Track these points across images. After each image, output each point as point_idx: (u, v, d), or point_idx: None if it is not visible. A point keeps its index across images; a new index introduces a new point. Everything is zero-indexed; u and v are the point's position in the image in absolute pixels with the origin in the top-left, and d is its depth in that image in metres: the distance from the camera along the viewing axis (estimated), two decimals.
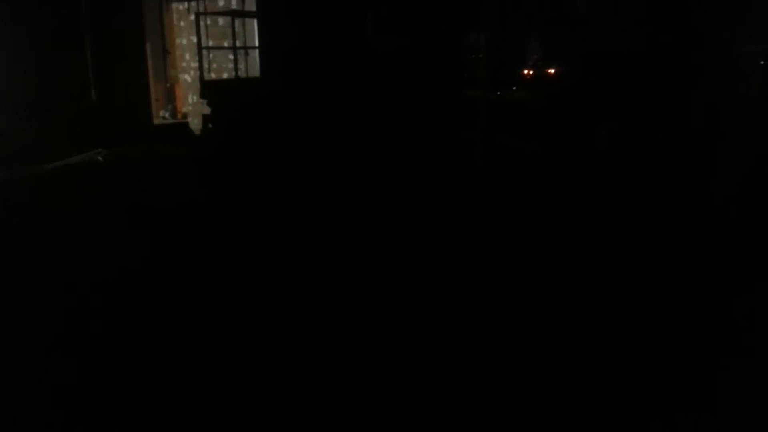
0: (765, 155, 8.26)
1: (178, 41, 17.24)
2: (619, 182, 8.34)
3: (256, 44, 14.75)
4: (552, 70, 13.86)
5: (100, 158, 12.72)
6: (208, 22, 15.73)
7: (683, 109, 8.15)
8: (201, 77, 14.11)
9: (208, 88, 13.83)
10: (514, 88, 15.82)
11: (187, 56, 17.18)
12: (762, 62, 11.80)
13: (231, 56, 15.38)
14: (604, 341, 5.33)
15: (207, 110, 13.81)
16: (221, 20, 15.82)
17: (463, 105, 10.64)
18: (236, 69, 14.93)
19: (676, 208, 8.07)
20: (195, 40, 14.77)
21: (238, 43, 15.04)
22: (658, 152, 8.21)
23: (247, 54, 15.42)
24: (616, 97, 8.70)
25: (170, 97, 17.27)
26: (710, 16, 8.18)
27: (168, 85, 17.20)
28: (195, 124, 16.12)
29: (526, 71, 16.22)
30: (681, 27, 8.36)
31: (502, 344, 5.31)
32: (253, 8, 14.29)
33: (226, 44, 15.45)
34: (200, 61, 14.18)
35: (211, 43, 15.71)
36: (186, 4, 16.74)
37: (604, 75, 8.88)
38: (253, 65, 15.50)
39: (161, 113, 16.94)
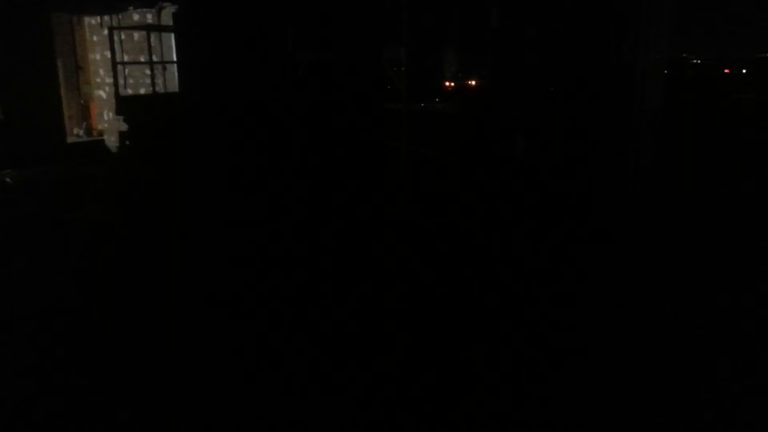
0: (666, 158, 8.75)
1: (91, 56, 16.61)
2: (535, 191, 8.64)
3: (174, 59, 14.37)
4: (473, 82, 14.18)
5: (8, 180, 12.07)
6: (123, 36, 15.24)
7: (588, 118, 8.51)
8: (116, 93, 13.63)
9: (125, 104, 13.36)
10: (437, 99, 16.09)
11: (102, 72, 16.56)
12: (665, 72, 12.47)
13: (148, 71, 14.93)
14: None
15: (124, 127, 13.33)
16: (136, 35, 15.34)
17: (383, 116, 10.74)
18: (153, 84, 14.50)
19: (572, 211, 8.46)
20: (109, 55, 14.26)
21: (154, 58, 14.60)
22: (568, 159, 8.55)
23: (164, 69, 15.01)
24: (529, 107, 9.00)
25: (85, 114, 16.59)
26: (615, 27, 8.58)
27: (82, 101, 16.52)
28: (111, 141, 15.54)
29: (447, 83, 16.58)
30: (586, 40, 8.74)
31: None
32: (170, 22, 13.94)
33: (142, 59, 14.99)
34: (115, 77, 13.70)
35: (126, 58, 15.22)
36: (99, 18, 16.16)
37: (518, 86, 9.16)
38: (171, 80, 15.09)
39: (75, 131, 16.24)
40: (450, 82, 15.86)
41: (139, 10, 15.21)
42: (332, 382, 5.01)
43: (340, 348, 5.54)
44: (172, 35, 14.22)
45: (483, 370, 5.18)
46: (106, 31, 15.11)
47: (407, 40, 10.63)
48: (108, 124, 16.44)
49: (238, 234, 8.62)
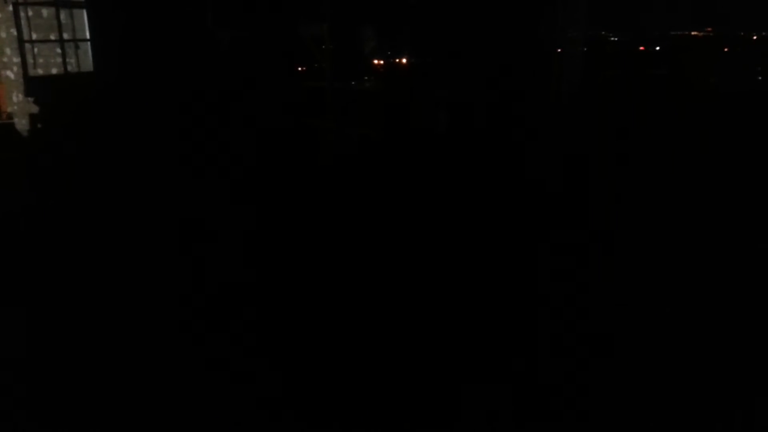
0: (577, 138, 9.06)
1: None
2: (455, 166, 8.80)
3: (87, 36, 13.69)
4: (403, 60, 14.19)
5: None
6: (30, 13, 14.35)
7: (508, 94, 8.70)
8: (25, 74, 12.88)
9: (36, 86, 12.66)
10: (366, 78, 16.02)
11: (8, 51, 15.56)
12: (584, 49, 12.81)
13: (59, 50, 14.16)
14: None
15: (35, 109, 12.65)
16: (45, 11, 14.49)
17: (302, 94, 10.63)
18: (66, 64, 13.78)
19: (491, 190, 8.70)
20: (15, 33, 13.42)
21: (66, 36, 13.87)
22: (489, 133, 8.74)
23: (77, 47, 14.27)
24: (451, 85, 9.10)
25: None
26: (534, 5, 8.77)
27: None
28: (23, 124, 14.69)
29: (377, 61, 16.53)
30: (505, 18, 8.89)
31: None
32: None
33: (52, 37, 14.19)
34: (23, 56, 12.93)
35: (34, 36, 14.35)
36: None
37: (439, 64, 9.24)
38: (85, 59, 14.38)
39: None
40: (380, 60, 15.83)
41: None
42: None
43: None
44: (84, 11, 13.53)
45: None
46: (11, 7, 14.19)
47: (331, 17, 10.51)
48: (18, 106, 15.51)
49: (149, 221, 8.34)
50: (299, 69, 11.83)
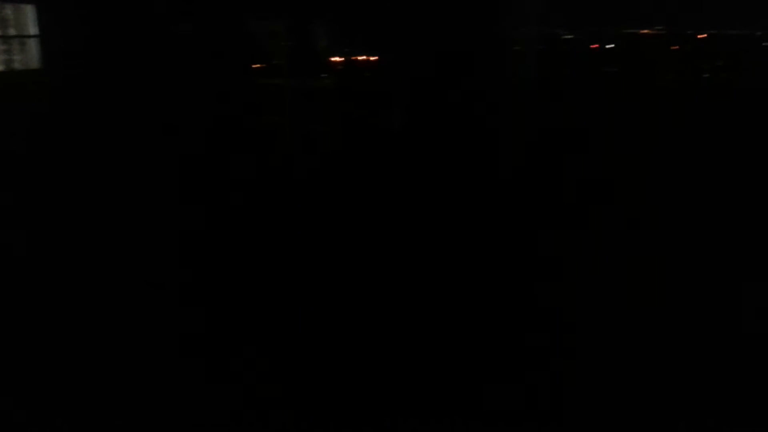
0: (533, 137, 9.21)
1: None
2: (408, 163, 8.86)
3: (33, 33, 13.26)
4: (364, 57, 14.14)
5: None
6: None
7: (462, 91, 8.78)
8: None
9: None
10: (324, 75, 15.92)
11: None
12: (541, 47, 13.04)
13: (3, 46, 13.67)
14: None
15: None
16: None
17: (258, 92, 10.52)
18: (10, 61, 13.31)
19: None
20: None
21: (12, 32, 13.40)
22: (442, 131, 8.81)
23: (23, 44, 13.80)
24: (405, 82, 9.14)
25: None
26: (486, 3, 8.86)
27: None
28: None
29: (336, 58, 16.45)
30: (458, 15, 8.95)
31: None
32: None
33: None
34: None
35: None
36: None
37: (395, 61, 9.27)
38: (32, 57, 13.92)
39: None
40: (339, 57, 15.75)
41: None
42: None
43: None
44: (30, 6, 13.12)
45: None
46: None
47: (288, 13, 10.41)
48: None
49: (84, 223, 8.12)
50: (256, 66, 11.71)
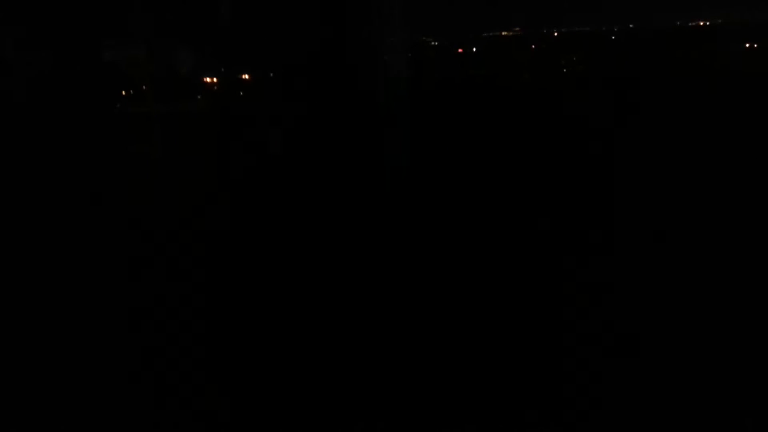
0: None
1: None
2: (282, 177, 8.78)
3: None
4: (245, 76, 13.73)
5: None
6: None
7: (330, 102, 8.76)
8: None
9: None
10: (198, 97, 15.31)
11: None
12: (409, 54, 13.21)
13: None
14: None
15: None
16: None
17: (122, 121, 9.96)
18: None
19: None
20: None
21: None
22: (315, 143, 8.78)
23: None
24: (277, 99, 8.97)
25: None
26: (355, 12, 8.86)
27: None
28: None
29: (208, 79, 15.83)
30: (324, 26, 8.92)
31: None
32: None
33: None
34: None
35: None
36: None
37: (264, 79, 9.08)
38: None
39: None
40: (212, 77, 15.18)
41: None
42: None
43: None
44: None
45: None
46: None
47: (145, 38, 9.90)
48: None
49: None
50: (121, 94, 11.07)
